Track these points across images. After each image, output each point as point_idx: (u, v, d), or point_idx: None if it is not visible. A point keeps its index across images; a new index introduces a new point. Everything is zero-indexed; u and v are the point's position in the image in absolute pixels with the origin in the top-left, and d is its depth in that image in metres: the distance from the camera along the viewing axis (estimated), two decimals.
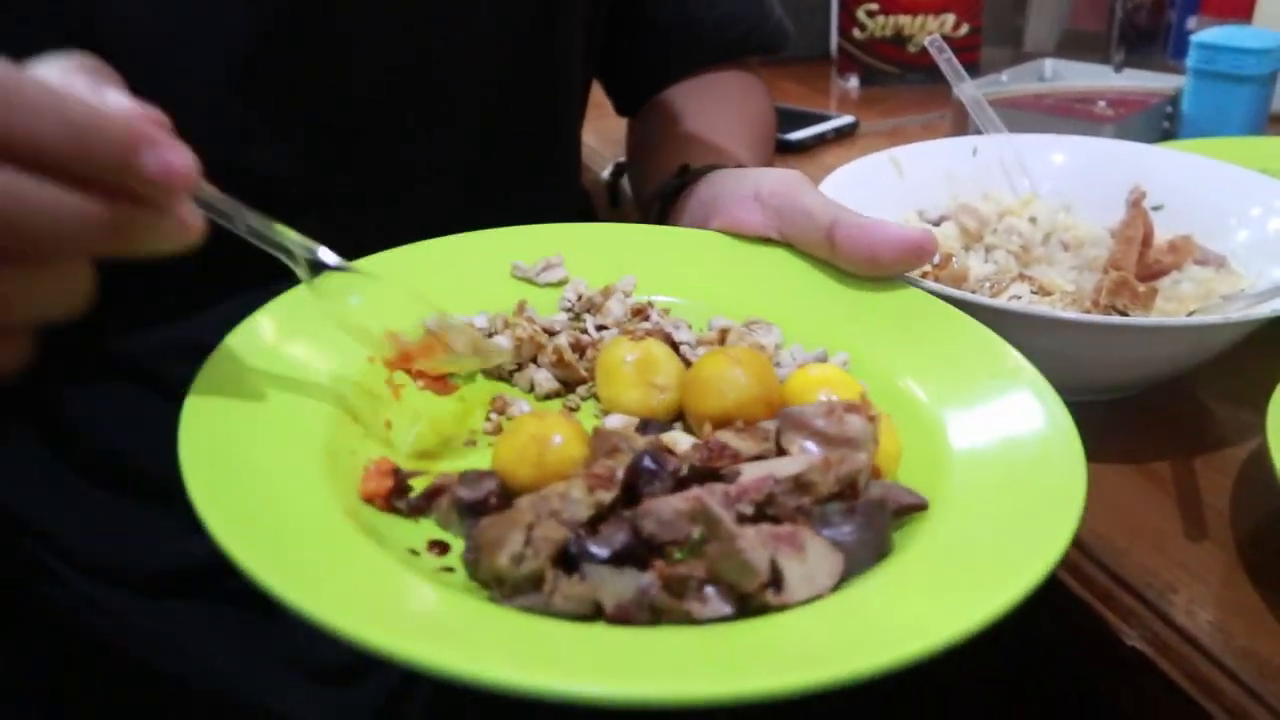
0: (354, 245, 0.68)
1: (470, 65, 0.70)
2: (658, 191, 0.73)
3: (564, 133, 0.83)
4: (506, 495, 0.43)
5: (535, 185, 0.80)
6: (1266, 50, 0.92)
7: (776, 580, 0.36)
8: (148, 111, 0.37)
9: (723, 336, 0.51)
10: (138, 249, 0.36)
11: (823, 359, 0.51)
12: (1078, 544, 0.51)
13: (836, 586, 0.37)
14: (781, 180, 0.58)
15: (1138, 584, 0.48)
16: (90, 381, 0.67)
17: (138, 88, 0.57)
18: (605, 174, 1.04)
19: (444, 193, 0.72)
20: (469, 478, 0.43)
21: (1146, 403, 0.60)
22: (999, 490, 0.41)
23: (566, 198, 0.86)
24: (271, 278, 0.66)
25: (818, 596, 0.36)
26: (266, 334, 0.48)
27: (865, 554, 0.38)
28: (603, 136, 1.10)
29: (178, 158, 0.34)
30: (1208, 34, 0.95)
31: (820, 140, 1.07)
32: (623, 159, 0.98)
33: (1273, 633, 0.45)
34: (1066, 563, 0.50)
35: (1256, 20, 1.05)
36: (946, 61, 0.79)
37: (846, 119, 1.10)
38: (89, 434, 0.66)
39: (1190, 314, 0.57)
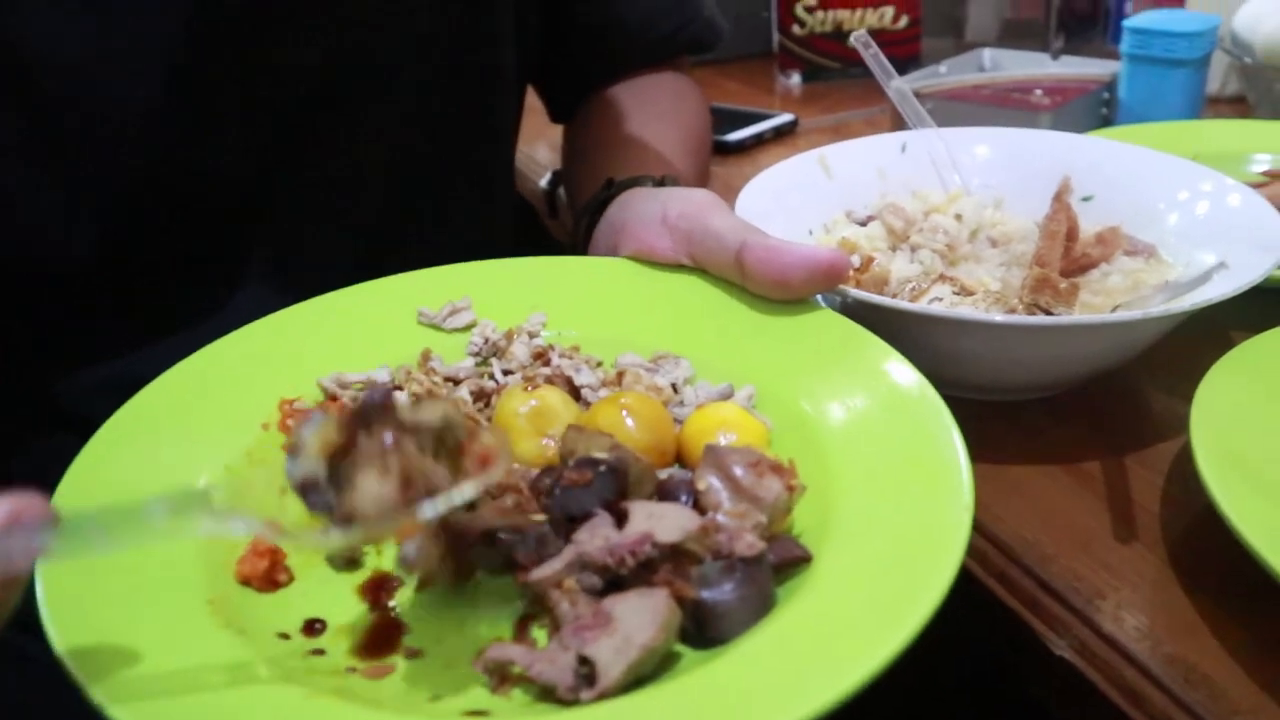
0: (293, 249, 0.68)
1: (405, 67, 0.69)
2: (584, 207, 0.72)
3: (500, 138, 0.82)
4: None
5: (473, 190, 0.79)
6: (1198, 34, 0.92)
7: (589, 674, 0.36)
8: None
9: (619, 378, 0.50)
10: None
11: (728, 395, 0.50)
12: (1004, 550, 0.50)
13: (710, 643, 0.37)
14: (690, 202, 0.57)
15: (1065, 590, 0.47)
16: (21, 431, 0.66)
17: (73, 122, 0.57)
18: (543, 183, 1.02)
19: (380, 197, 0.71)
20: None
21: (1080, 400, 0.59)
22: (885, 532, 0.40)
23: (503, 205, 0.85)
24: (206, 311, 0.66)
25: (644, 649, 0.36)
26: (154, 408, 0.48)
27: (746, 612, 0.38)
28: (550, 145, 1.09)
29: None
30: (1140, 19, 0.95)
31: (759, 140, 1.06)
32: (560, 167, 0.97)
33: (1200, 637, 0.44)
34: (994, 570, 0.49)
35: (1190, 3, 1.04)
36: (874, 58, 0.78)
37: (786, 117, 1.09)
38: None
39: (1115, 308, 0.56)
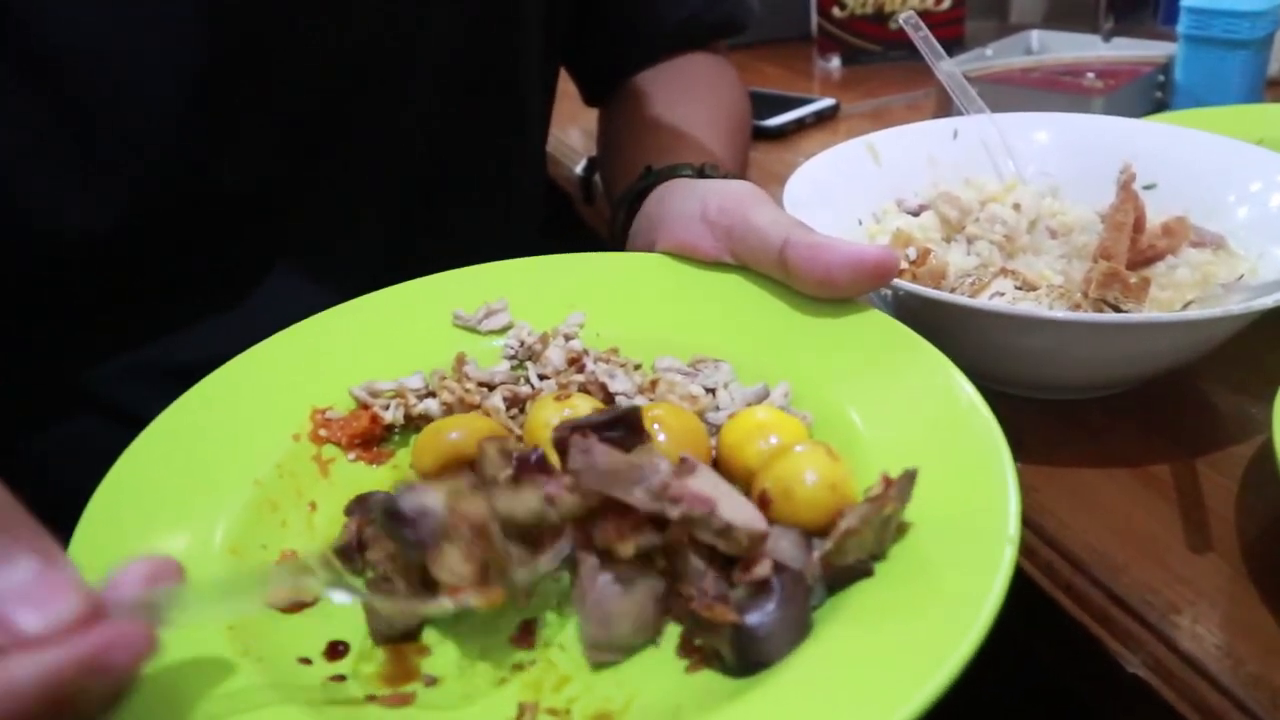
0: (320, 237, 0.67)
1: (428, 61, 0.68)
2: (621, 197, 0.70)
3: (528, 122, 0.80)
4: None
5: (500, 176, 0.77)
6: (1261, 13, 0.88)
7: None
8: (78, 605, 0.31)
9: (653, 385, 0.48)
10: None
11: (763, 395, 0.48)
12: (1072, 560, 0.47)
13: (750, 669, 0.36)
14: (730, 197, 0.54)
15: (1137, 604, 0.44)
16: (51, 417, 0.65)
17: (94, 109, 0.56)
18: (578, 169, 1.00)
19: (405, 187, 0.70)
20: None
21: (1144, 398, 0.56)
22: (924, 556, 0.38)
23: (531, 191, 0.83)
24: (232, 298, 0.65)
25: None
26: (185, 423, 0.47)
27: (788, 635, 0.36)
28: (584, 130, 1.07)
29: (129, 638, 0.31)
30: None
31: (800, 125, 1.03)
32: (595, 153, 0.95)
33: None
34: (1060, 582, 0.47)
35: None
36: (924, 40, 0.75)
37: (827, 102, 1.06)
38: (55, 475, 0.63)
39: (1188, 304, 0.54)
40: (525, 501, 0.37)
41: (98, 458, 0.60)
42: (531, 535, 0.38)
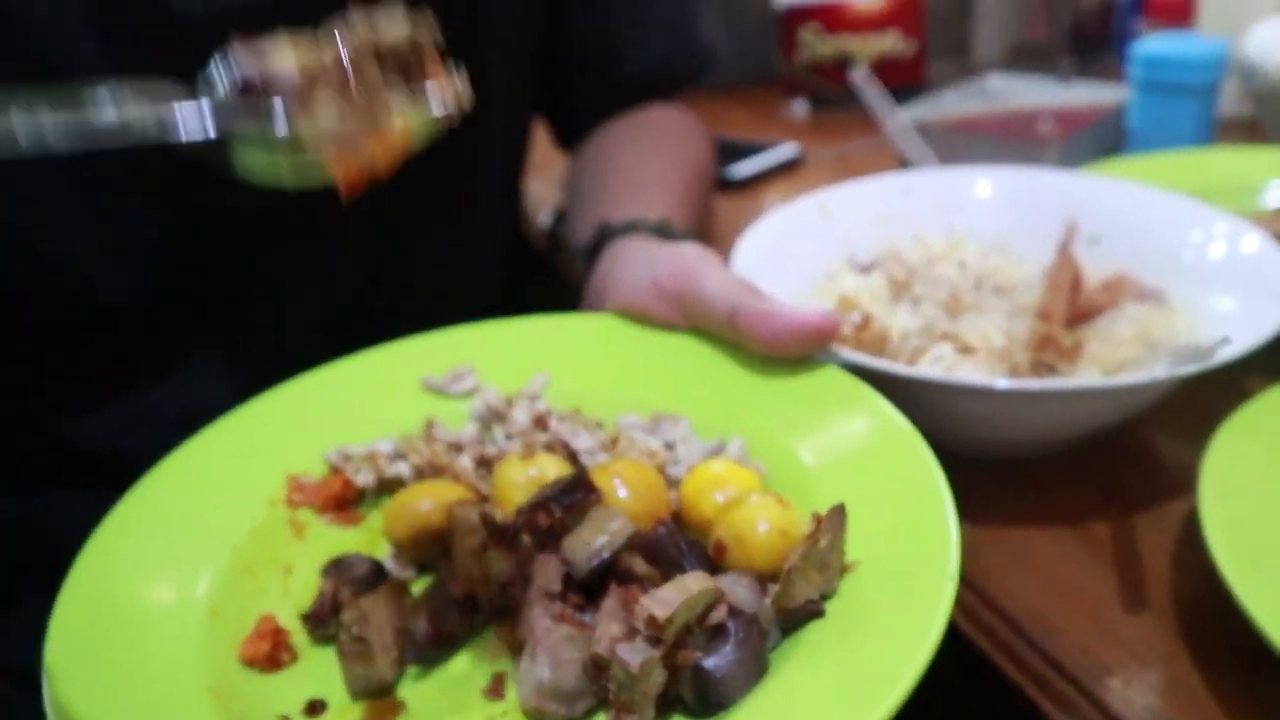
0: (301, 298, 0.70)
1: None
2: (582, 250, 0.72)
3: (499, 173, 0.82)
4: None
5: (471, 225, 0.80)
6: (1208, 60, 0.90)
7: None
8: None
9: (614, 443, 0.49)
10: None
11: (718, 450, 0.50)
12: (1011, 623, 0.48)
13: (710, 710, 0.37)
14: (680, 262, 0.56)
15: (1072, 666, 0.45)
16: (47, 463, 0.67)
17: (120, 187, 0.59)
18: (544, 217, 1.01)
19: (380, 238, 0.72)
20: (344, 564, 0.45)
21: (1086, 453, 0.58)
22: (870, 595, 0.40)
23: (502, 239, 0.85)
24: (228, 346, 0.67)
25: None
26: (164, 490, 0.49)
27: (745, 676, 0.37)
28: (550, 178, 1.08)
29: None
30: (1149, 45, 0.93)
31: (764, 173, 1.05)
32: (561, 203, 0.97)
33: (1211, 717, 0.42)
34: (1000, 644, 0.48)
35: (1198, 26, 1.02)
36: (875, 96, 0.77)
37: (791, 150, 1.08)
38: (49, 520, 0.65)
39: (1123, 364, 0.55)
40: (393, 28, 0.36)
41: (94, 502, 0.63)
42: (407, 68, 0.36)
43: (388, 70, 0.36)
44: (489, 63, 0.76)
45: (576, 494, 0.43)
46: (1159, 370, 0.48)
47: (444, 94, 0.36)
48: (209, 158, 0.37)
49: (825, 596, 0.40)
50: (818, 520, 0.40)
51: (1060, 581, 0.50)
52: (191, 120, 0.34)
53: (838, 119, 1.23)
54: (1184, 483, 0.55)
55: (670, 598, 0.37)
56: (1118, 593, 0.49)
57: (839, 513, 0.41)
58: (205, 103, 0.34)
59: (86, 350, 0.65)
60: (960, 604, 0.50)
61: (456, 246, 0.80)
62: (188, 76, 0.60)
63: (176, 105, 0.34)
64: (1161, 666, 0.45)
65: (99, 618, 0.42)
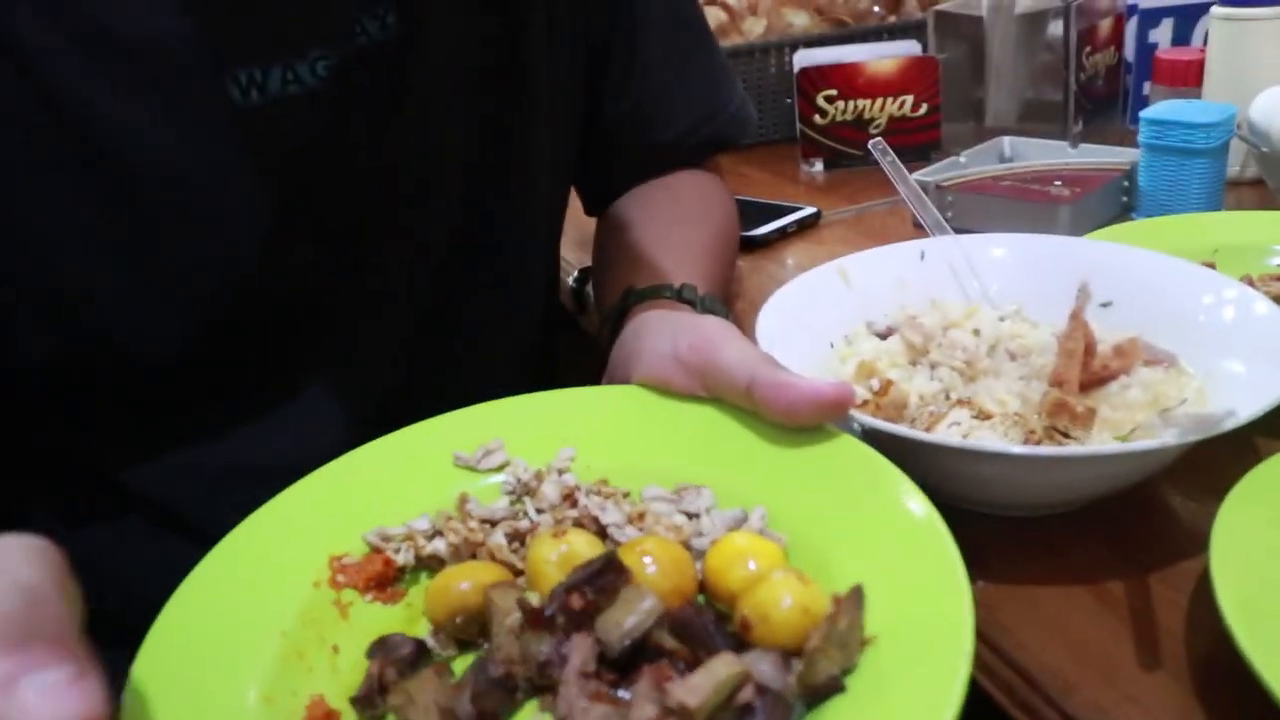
0: (349, 346, 0.73)
1: (449, 175, 0.75)
2: (607, 314, 0.75)
3: (539, 228, 0.86)
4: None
5: (513, 279, 0.83)
6: (1215, 124, 0.93)
7: None
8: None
9: (641, 517, 0.52)
10: None
11: (742, 519, 0.52)
12: (1029, 680, 0.50)
13: None
14: (700, 334, 0.59)
15: None
16: (98, 515, 0.70)
17: (171, 237, 0.63)
18: (570, 280, 1.04)
19: (427, 291, 0.76)
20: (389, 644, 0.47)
21: (1102, 511, 0.59)
22: (888, 664, 0.42)
23: (540, 289, 0.88)
24: (274, 403, 0.69)
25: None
26: (212, 583, 0.51)
27: None
28: (577, 243, 1.12)
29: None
30: (1157, 110, 0.96)
31: (783, 234, 1.08)
32: (588, 264, 1.00)
33: None
34: (1019, 701, 0.50)
35: (1206, 91, 1.05)
36: (890, 164, 0.80)
37: (808, 210, 1.11)
38: (101, 574, 0.68)
39: (1134, 430, 0.57)
40: None
41: (142, 557, 0.65)
42: None
43: None
44: (539, 139, 0.80)
45: (608, 575, 0.45)
46: (1170, 437, 0.50)
47: None
48: None
49: (846, 672, 0.42)
50: (837, 601, 0.43)
51: (1076, 639, 0.52)
52: None
53: (853, 179, 1.26)
54: (1197, 540, 0.56)
55: (701, 684, 0.40)
56: (1132, 651, 0.51)
57: (857, 593, 0.43)
58: None
59: (130, 403, 0.68)
60: (980, 660, 0.52)
61: (497, 318, 0.83)
62: (248, 167, 0.63)
63: None
64: None
65: (164, 713, 0.43)
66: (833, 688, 0.41)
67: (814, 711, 0.41)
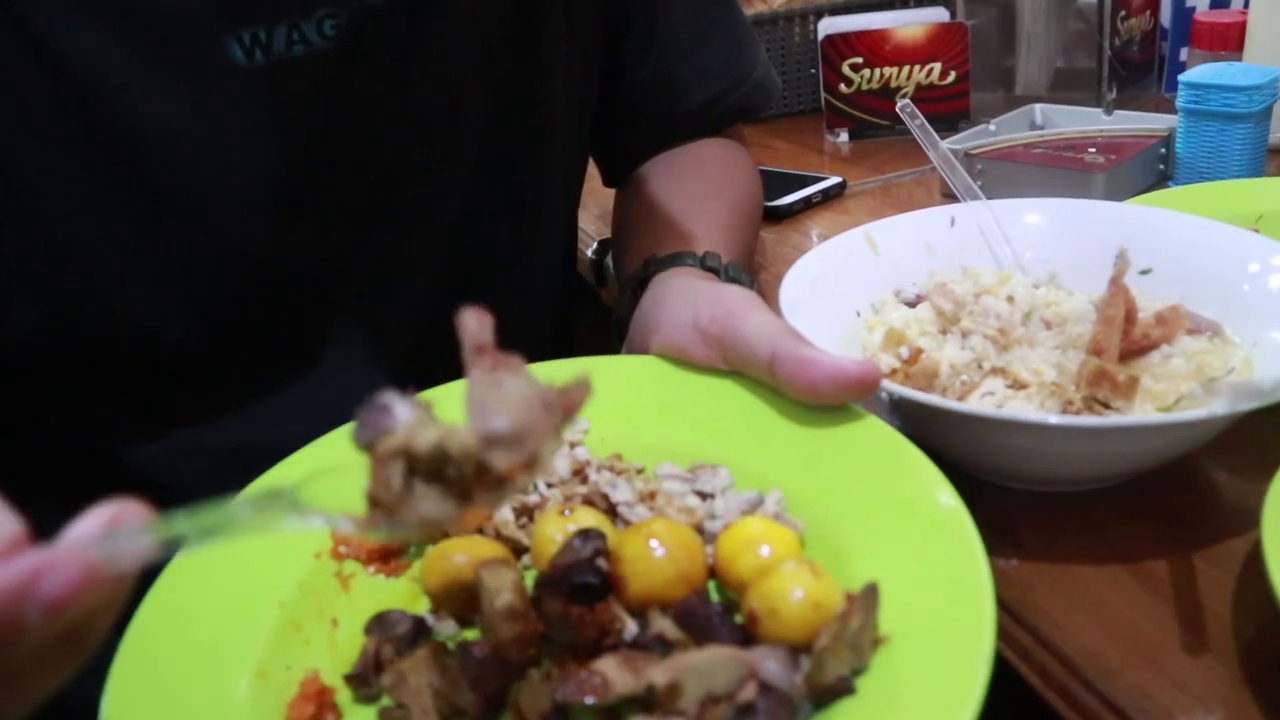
0: (361, 326, 0.71)
1: (464, 149, 0.73)
2: (627, 281, 0.73)
3: (555, 201, 0.83)
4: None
5: (528, 252, 0.81)
6: (1257, 86, 0.89)
7: None
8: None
9: (652, 496, 0.49)
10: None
11: (757, 503, 0.49)
12: (1066, 663, 0.47)
13: None
14: (721, 305, 0.56)
15: (1132, 710, 0.44)
16: (96, 491, 0.68)
17: (184, 216, 0.61)
18: (590, 253, 1.02)
19: (441, 267, 0.74)
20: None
21: (1143, 487, 0.56)
22: (902, 665, 0.39)
23: (555, 264, 0.86)
24: (284, 383, 0.67)
25: None
26: (210, 551, 0.47)
27: None
28: (595, 215, 1.09)
29: (61, 564, 0.29)
30: (1196, 73, 0.92)
31: (808, 204, 1.05)
32: (607, 236, 0.97)
33: None
34: (1055, 684, 0.47)
35: (1247, 54, 1.01)
36: (920, 128, 0.77)
37: (833, 180, 1.08)
38: None
39: (1180, 399, 0.54)
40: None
41: None
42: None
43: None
44: (555, 101, 0.77)
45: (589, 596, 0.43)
46: (1218, 407, 0.47)
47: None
48: None
49: (857, 672, 0.39)
50: (850, 600, 0.40)
51: (1115, 620, 0.49)
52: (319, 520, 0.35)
53: (879, 149, 1.23)
54: (1243, 518, 0.54)
55: (675, 664, 0.38)
56: (1176, 633, 0.48)
57: (871, 592, 0.40)
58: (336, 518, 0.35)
59: (133, 380, 0.66)
60: (1013, 642, 0.49)
61: (513, 287, 0.80)
62: (254, 130, 0.61)
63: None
64: (1223, 710, 0.44)
65: (155, 682, 0.42)
66: (842, 689, 0.39)
67: (822, 713, 0.39)
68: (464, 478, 0.34)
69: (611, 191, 0.95)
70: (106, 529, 0.31)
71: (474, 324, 0.36)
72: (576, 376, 0.35)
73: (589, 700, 0.37)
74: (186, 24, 0.58)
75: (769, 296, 0.65)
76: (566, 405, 0.35)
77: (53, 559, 0.29)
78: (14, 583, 0.28)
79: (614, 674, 0.38)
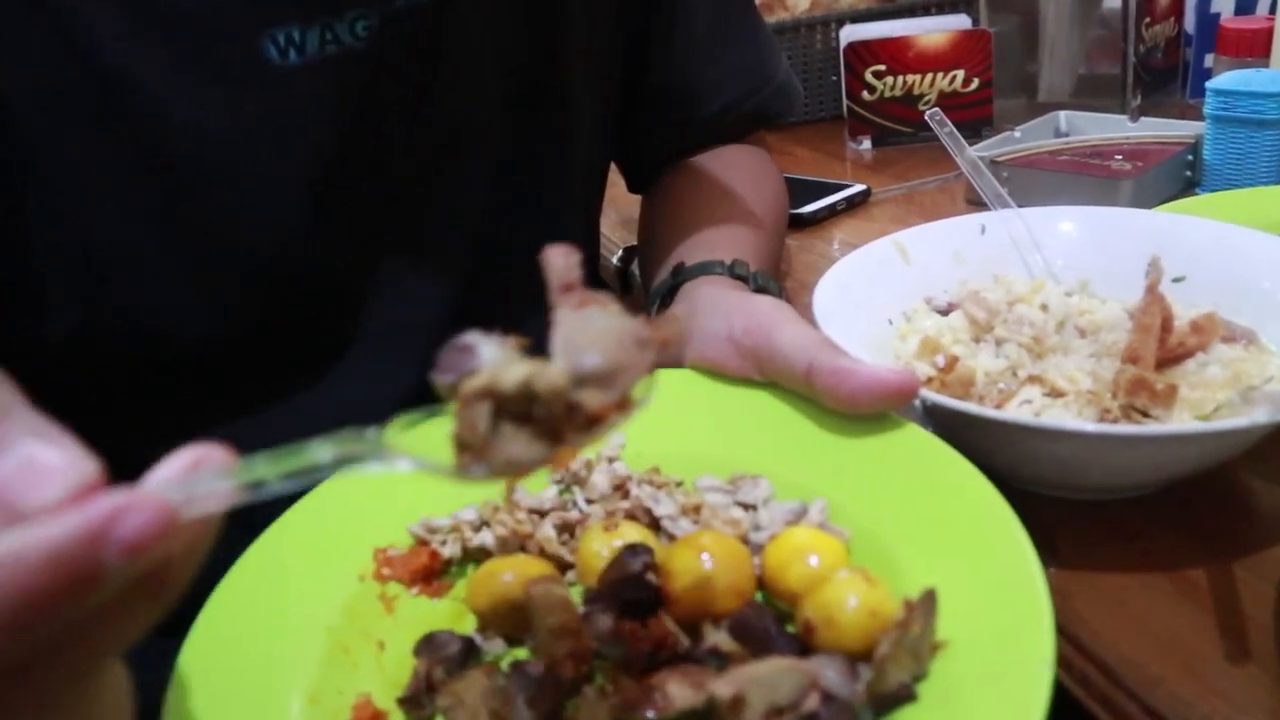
0: (384, 330, 0.71)
1: (487, 153, 0.73)
2: (655, 291, 0.73)
3: (577, 205, 0.83)
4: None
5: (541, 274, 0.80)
6: None
7: None
8: (77, 470, 0.30)
9: (696, 510, 0.49)
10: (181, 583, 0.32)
11: (801, 512, 0.49)
12: (1107, 671, 0.47)
13: None
14: (755, 316, 0.56)
15: (1174, 719, 0.44)
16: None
17: (215, 221, 0.61)
18: (615, 259, 1.02)
19: (465, 272, 0.74)
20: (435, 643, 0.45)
21: (1181, 496, 0.56)
22: (962, 671, 0.39)
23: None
24: (306, 384, 0.68)
25: None
26: (258, 576, 0.49)
27: None
28: (620, 221, 1.09)
29: (137, 515, 0.28)
30: (1223, 80, 0.92)
31: (832, 212, 1.05)
32: (633, 243, 0.97)
33: None
34: (1096, 693, 0.47)
35: (1274, 60, 1.01)
36: (949, 135, 0.77)
37: (858, 188, 1.08)
38: None
39: (1218, 408, 0.54)
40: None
41: None
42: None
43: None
44: (577, 105, 0.78)
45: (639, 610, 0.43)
46: (1259, 415, 0.47)
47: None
48: None
49: (917, 679, 0.39)
50: (910, 607, 0.40)
51: (1155, 628, 0.49)
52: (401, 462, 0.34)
53: (902, 157, 1.23)
54: None
55: (737, 675, 0.38)
56: (1217, 642, 0.48)
57: (930, 598, 0.40)
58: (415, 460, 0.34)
59: (166, 381, 0.66)
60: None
61: (537, 291, 0.80)
62: (288, 130, 0.61)
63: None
64: (1266, 719, 0.44)
65: (209, 711, 0.42)
66: (904, 696, 0.39)
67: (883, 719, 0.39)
68: (553, 418, 0.33)
69: (634, 198, 0.95)
70: (187, 473, 0.31)
71: (560, 261, 0.36)
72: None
73: (650, 715, 0.37)
74: (222, 24, 0.58)
75: (795, 303, 0.65)
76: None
77: (130, 501, 0.28)
78: (91, 524, 0.27)
79: (674, 688, 0.38)
